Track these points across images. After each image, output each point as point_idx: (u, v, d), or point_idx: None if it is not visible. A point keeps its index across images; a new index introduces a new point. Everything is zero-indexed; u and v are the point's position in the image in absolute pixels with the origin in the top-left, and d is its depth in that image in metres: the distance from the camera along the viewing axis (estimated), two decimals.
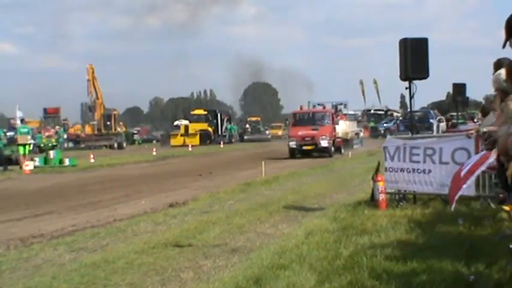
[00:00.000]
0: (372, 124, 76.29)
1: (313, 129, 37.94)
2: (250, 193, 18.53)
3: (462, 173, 10.02)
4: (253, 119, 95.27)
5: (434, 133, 55.02)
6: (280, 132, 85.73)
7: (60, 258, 9.91)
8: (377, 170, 14.02)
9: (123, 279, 8.35)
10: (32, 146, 36.24)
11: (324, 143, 37.36)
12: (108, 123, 71.24)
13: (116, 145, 68.55)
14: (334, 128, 39.48)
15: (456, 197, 9.52)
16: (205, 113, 75.97)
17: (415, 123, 67.25)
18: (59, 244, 11.14)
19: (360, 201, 14.31)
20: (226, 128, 76.37)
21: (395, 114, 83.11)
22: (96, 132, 71.66)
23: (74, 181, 26.53)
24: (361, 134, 51.81)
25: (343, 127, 43.68)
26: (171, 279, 8.41)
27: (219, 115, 75.36)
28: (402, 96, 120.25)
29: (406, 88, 14.79)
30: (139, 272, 8.78)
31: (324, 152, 37.58)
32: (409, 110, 16.46)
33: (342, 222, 11.96)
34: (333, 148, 38.25)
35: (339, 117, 42.99)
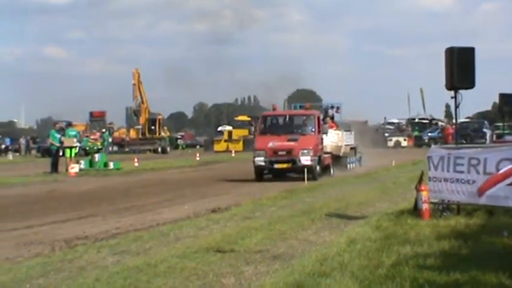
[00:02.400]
0: (416, 133, 75.76)
1: (290, 140, 26.95)
2: (293, 200, 18.51)
3: (500, 172, 9.95)
4: None
5: (488, 143, 54.25)
6: None
7: (103, 261, 10.00)
8: (420, 180, 13.91)
9: (165, 283, 8.41)
10: (78, 149, 36.66)
11: (305, 160, 26.36)
12: (153, 127, 71.79)
13: (159, 149, 69.03)
14: (321, 140, 28.49)
15: (487, 192, 9.44)
16: (249, 119, 76.13)
17: (469, 132, 67.00)
18: (102, 247, 11.25)
19: (403, 211, 14.21)
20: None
21: (440, 123, 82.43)
22: (140, 136, 72.26)
23: (118, 184, 26.77)
24: (359, 150, 37.17)
25: (334, 139, 31.80)
26: (213, 285, 8.45)
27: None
28: (447, 106, 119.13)
29: (452, 97, 14.67)
30: (181, 276, 8.83)
31: (304, 173, 25.74)
32: (454, 119, 16.32)
33: (385, 231, 11.90)
34: (318, 167, 27.10)
35: (327, 125, 31.26)
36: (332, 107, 41.32)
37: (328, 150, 30.51)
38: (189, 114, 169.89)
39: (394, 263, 8.96)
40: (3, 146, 76.46)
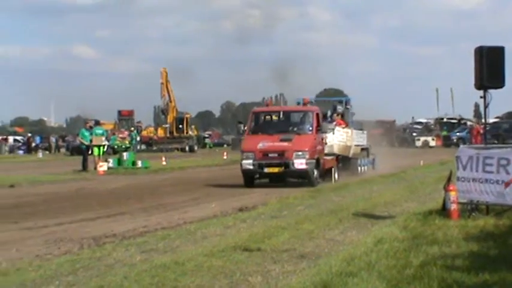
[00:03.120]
0: (444, 133, 75.28)
1: (282, 140, 23.88)
2: (320, 199, 18.49)
3: None
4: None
5: None
6: None
7: (131, 259, 10.06)
8: (449, 180, 13.84)
9: (192, 282, 8.44)
10: (106, 147, 36.88)
11: (300, 163, 23.34)
12: (180, 126, 72.06)
13: (187, 148, 69.24)
14: (321, 140, 25.24)
15: None
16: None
17: (501, 132, 66.52)
18: (130, 245, 11.32)
19: (431, 211, 14.14)
20: None
21: (468, 123, 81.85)
22: (168, 135, 72.52)
23: (146, 183, 26.91)
24: (372, 151, 34.07)
25: (341, 138, 28.43)
26: (240, 283, 8.47)
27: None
28: (476, 105, 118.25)
29: (481, 97, 14.58)
30: (208, 274, 8.86)
31: (299, 178, 24.16)
32: (483, 119, 16.22)
33: (412, 231, 11.85)
34: (315, 171, 23.95)
35: (334, 123, 28.83)
36: (340, 102, 33.71)
37: (335, 151, 27.38)
38: (217, 113, 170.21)
39: (422, 263, 8.92)
40: (33, 144, 77.16)
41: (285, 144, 23.74)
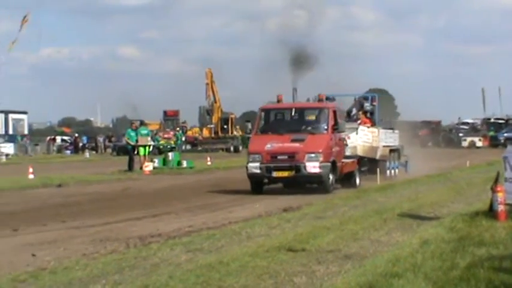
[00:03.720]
0: (491, 133, 74.41)
1: (293, 140, 21.51)
2: (365, 200, 18.41)
3: None
4: None
5: None
6: None
7: (176, 258, 10.13)
8: (496, 180, 13.67)
9: (237, 282, 8.47)
10: (151, 147, 37.17)
11: (312, 167, 20.97)
12: (225, 126, 72.30)
13: (232, 148, 69.43)
14: (339, 140, 22.77)
15: None
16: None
17: None
18: (175, 244, 11.39)
19: (478, 212, 13.99)
20: None
21: None
22: (213, 135, 72.81)
23: (191, 183, 27.06)
24: (405, 152, 31.01)
25: (366, 138, 26.32)
26: (284, 283, 8.47)
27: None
28: None
29: None
30: (253, 274, 8.88)
31: (312, 183, 21.83)
32: None
33: (459, 232, 11.75)
34: (331, 176, 21.53)
35: (359, 122, 27.13)
36: (366, 98, 30.19)
37: (359, 152, 25.25)
38: None
39: (469, 264, 8.84)
40: (80, 144, 78.10)
41: (296, 145, 21.34)
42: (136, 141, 34.29)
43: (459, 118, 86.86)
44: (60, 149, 77.20)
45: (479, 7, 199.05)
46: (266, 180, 21.81)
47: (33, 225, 14.85)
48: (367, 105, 29.00)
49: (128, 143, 35.12)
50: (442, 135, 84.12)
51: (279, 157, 21.28)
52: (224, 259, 9.74)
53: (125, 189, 24.48)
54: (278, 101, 23.48)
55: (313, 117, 22.92)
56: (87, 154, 65.18)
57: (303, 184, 21.83)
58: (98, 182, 27.98)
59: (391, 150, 28.37)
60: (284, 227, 13.35)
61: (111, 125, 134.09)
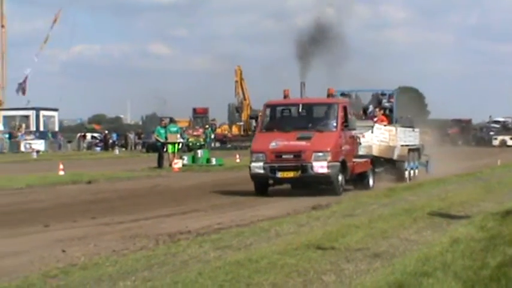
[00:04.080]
0: None
1: (300, 138, 20.18)
2: (394, 198, 18.32)
3: None
4: None
5: None
6: (426, 137, 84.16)
7: (205, 255, 10.16)
8: None
9: (266, 279, 8.47)
10: (181, 144, 37.29)
11: (320, 167, 19.66)
12: (255, 124, 72.40)
13: None
14: (350, 138, 21.48)
15: None
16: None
17: None
18: (204, 241, 11.42)
19: (509, 211, 13.88)
20: None
21: None
22: (242, 132, 72.93)
23: (220, 180, 27.12)
24: (425, 152, 29.29)
25: (382, 137, 24.72)
26: (313, 281, 8.46)
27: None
28: None
29: None
30: (282, 272, 8.88)
31: (320, 184, 20.42)
32: None
33: (490, 231, 11.66)
34: (340, 177, 20.17)
35: (375, 119, 25.52)
36: (383, 94, 27.81)
37: (374, 152, 23.79)
38: None
39: (500, 264, 8.77)
40: (110, 141, 78.61)
41: (303, 143, 19.96)
42: (166, 138, 34.42)
43: (490, 116, 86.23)
44: (90, 146, 77.78)
45: (510, 5, 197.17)
46: (271, 181, 20.51)
47: (63, 221, 14.97)
48: (385, 102, 27.34)
49: (158, 140, 35.28)
50: (473, 133, 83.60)
51: (284, 156, 19.97)
52: (253, 256, 9.75)
53: (154, 186, 24.60)
54: (285, 97, 22.25)
55: (321, 114, 21.71)
56: (116, 151, 65.57)
57: (310, 185, 20.47)
58: (127, 178, 28.14)
59: (410, 150, 26.49)
60: (313, 224, 13.33)
61: (140, 122, 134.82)
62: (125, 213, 16.32)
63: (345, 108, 21.13)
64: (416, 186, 22.13)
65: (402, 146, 25.51)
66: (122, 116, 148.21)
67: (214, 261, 9.62)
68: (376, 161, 23.47)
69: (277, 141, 20.10)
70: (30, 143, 66.61)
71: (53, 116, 78.46)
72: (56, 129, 78.65)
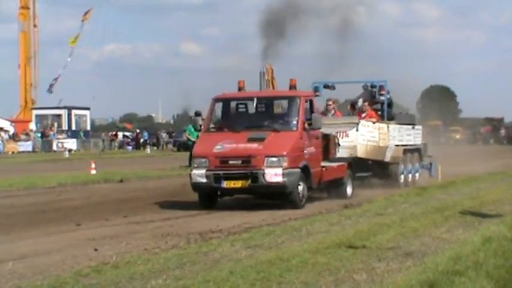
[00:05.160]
0: None
1: (251, 140, 16.59)
2: (426, 197, 18.23)
3: None
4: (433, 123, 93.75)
5: None
6: (458, 136, 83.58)
7: (236, 254, 10.18)
8: None
9: (297, 278, 8.48)
10: None
11: (274, 175, 16.08)
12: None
13: None
14: (316, 139, 17.67)
15: None
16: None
17: None
18: (236, 240, 11.45)
19: None
20: None
21: None
22: None
23: None
24: (428, 153, 25.35)
25: (370, 136, 21.15)
26: (345, 280, 8.46)
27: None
28: None
29: None
30: (313, 271, 8.88)
31: (274, 196, 17.01)
32: None
33: None
34: (301, 186, 16.51)
35: (364, 114, 21.98)
36: (373, 86, 23.52)
37: (360, 154, 20.50)
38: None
39: None
40: (141, 140, 79.03)
41: (254, 146, 16.41)
42: (197, 137, 34.50)
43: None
44: (121, 145, 78.25)
45: None
46: (219, 192, 17.08)
47: (95, 220, 15.09)
48: (381, 96, 23.23)
49: (189, 139, 35.34)
50: (505, 132, 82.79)
51: (230, 162, 16.43)
52: (284, 255, 9.76)
53: (185, 184, 24.64)
54: (239, 89, 18.38)
55: (281, 110, 18.28)
56: (148, 150, 65.91)
57: (265, 196, 17.47)
58: (158, 177, 28.27)
59: (408, 151, 22.96)
60: (344, 223, 13.31)
61: (172, 121, 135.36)
62: (156, 212, 16.41)
63: (311, 103, 17.79)
64: (448, 184, 21.96)
65: (397, 146, 22.22)
66: (153, 114, 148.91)
67: (246, 260, 9.65)
68: (361, 164, 20.33)
69: (224, 144, 16.59)
70: (62, 142, 67.23)
71: (85, 115, 79.13)
72: (88, 128, 79.28)
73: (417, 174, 23.76)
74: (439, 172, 24.53)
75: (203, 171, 16.44)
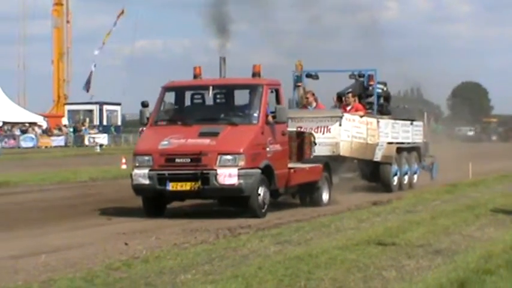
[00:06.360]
0: None
1: (202, 135, 14.33)
2: (456, 194, 18.11)
3: None
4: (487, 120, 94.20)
5: None
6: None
7: (265, 250, 10.18)
8: None
9: (326, 274, 8.46)
10: None
11: (227, 176, 13.85)
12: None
13: None
14: (282, 135, 15.22)
15: None
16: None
17: None
18: (264, 236, 11.45)
19: None
20: (432, 127, 75.17)
21: None
22: None
23: None
24: (430, 152, 23.09)
25: (356, 132, 18.72)
26: (374, 277, 8.43)
27: (425, 114, 74.17)
28: None
29: None
30: (342, 268, 8.86)
31: (229, 202, 15.01)
32: None
33: None
34: (261, 191, 14.12)
35: (349, 107, 19.39)
36: (361, 76, 20.80)
37: (344, 152, 18.21)
38: None
39: None
40: None
41: (206, 141, 14.16)
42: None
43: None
44: None
45: None
46: (167, 197, 14.68)
47: (125, 214, 15.18)
48: (370, 87, 20.64)
49: None
50: None
51: (177, 160, 14.18)
52: (313, 251, 9.75)
53: None
54: (195, 77, 16.08)
55: (242, 101, 15.75)
56: None
57: (221, 201, 15.26)
58: None
59: (403, 149, 20.55)
60: (373, 220, 13.28)
61: None
62: (185, 207, 16.45)
63: (276, 93, 15.47)
64: (480, 182, 21.79)
65: (390, 143, 19.85)
66: None
67: (275, 256, 9.65)
68: (345, 164, 18.24)
69: (171, 139, 14.33)
70: (93, 137, 67.71)
71: (116, 110, 79.57)
72: (119, 123, 79.73)
73: (415, 176, 21.24)
74: (470, 170, 24.27)
75: (146, 171, 14.14)
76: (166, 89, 15.74)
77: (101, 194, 19.94)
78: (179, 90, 15.85)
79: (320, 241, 10.93)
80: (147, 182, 14.12)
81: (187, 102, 15.85)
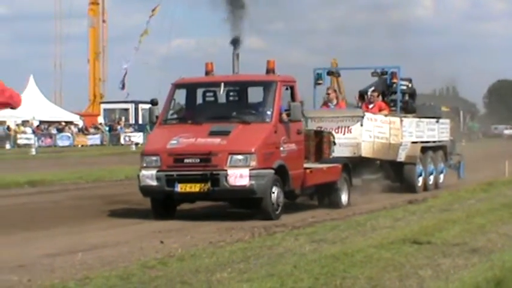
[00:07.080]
0: None
1: (212, 134, 13.82)
2: (492, 193, 17.95)
3: None
4: None
5: None
6: None
7: (300, 248, 10.19)
8: None
9: (362, 273, 8.46)
10: None
11: (238, 177, 13.31)
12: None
13: None
14: (298, 134, 14.73)
15: None
16: (448, 109, 74.33)
17: None
18: (300, 234, 11.46)
19: None
20: (468, 125, 74.53)
21: None
22: None
23: None
24: (456, 150, 22.32)
25: (378, 131, 18.17)
26: (409, 276, 8.40)
27: (461, 112, 73.65)
28: None
29: None
30: (378, 266, 8.85)
31: (240, 204, 14.74)
32: None
33: None
34: (275, 192, 13.57)
35: (371, 106, 19.07)
36: (383, 73, 20.04)
37: (365, 153, 17.69)
38: None
39: None
40: None
41: (216, 140, 13.68)
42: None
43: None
44: None
45: None
46: (177, 200, 14.30)
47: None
48: (403, 85, 19.98)
49: None
50: None
51: (186, 160, 13.69)
52: (348, 250, 9.74)
53: None
54: (206, 73, 15.44)
55: (255, 98, 15.26)
56: None
57: (233, 203, 14.99)
58: None
59: (428, 148, 19.91)
60: (409, 219, 13.22)
61: None
62: (220, 205, 16.49)
63: (291, 90, 14.95)
64: None
65: (414, 143, 19.26)
66: None
67: (310, 255, 9.66)
68: (367, 166, 17.82)
69: (180, 138, 13.86)
70: (129, 136, 68.06)
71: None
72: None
73: (441, 176, 20.57)
74: (507, 169, 23.97)
75: (153, 171, 13.64)
76: (177, 86, 15.22)
77: (136, 193, 19.92)
78: (190, 88, 15.31)
79: (355, 240, 10.92)
80: (154, 183, 13.68)
81: (199, 99, 15.36)
